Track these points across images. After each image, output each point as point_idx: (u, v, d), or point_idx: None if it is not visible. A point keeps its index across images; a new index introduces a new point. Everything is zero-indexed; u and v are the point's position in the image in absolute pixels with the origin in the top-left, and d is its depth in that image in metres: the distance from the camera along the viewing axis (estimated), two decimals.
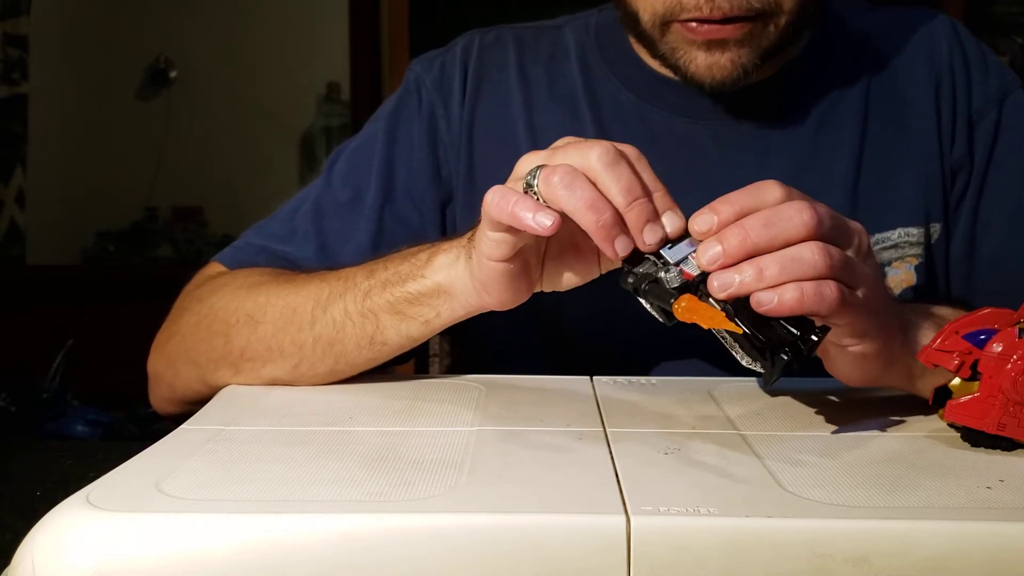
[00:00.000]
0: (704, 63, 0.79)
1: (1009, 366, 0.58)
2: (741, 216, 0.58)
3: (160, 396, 0.87)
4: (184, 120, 3.12)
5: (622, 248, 0.60)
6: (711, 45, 0.79)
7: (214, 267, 0.89)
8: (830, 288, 0.57)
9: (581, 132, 0.88)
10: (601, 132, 0.89)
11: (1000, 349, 0.58)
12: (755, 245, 0.57)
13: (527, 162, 0.64)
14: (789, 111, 0.87)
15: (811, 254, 0.57)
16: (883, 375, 0.66)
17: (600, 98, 0.90)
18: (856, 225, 0.63)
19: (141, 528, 0.45)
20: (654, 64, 0.88)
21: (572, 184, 0.60)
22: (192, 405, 0.84)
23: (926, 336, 0.66)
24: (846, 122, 0.87)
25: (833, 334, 0.60)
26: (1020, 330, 0.59)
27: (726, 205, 0.59)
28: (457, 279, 0.69)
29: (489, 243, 0.64)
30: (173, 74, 3.13)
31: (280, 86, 3.12)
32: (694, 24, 0.78)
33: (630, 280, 0.60)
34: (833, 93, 0.88)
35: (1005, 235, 0.88)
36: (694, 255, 0.59)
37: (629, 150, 0.63)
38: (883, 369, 0.65)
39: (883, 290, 0.65)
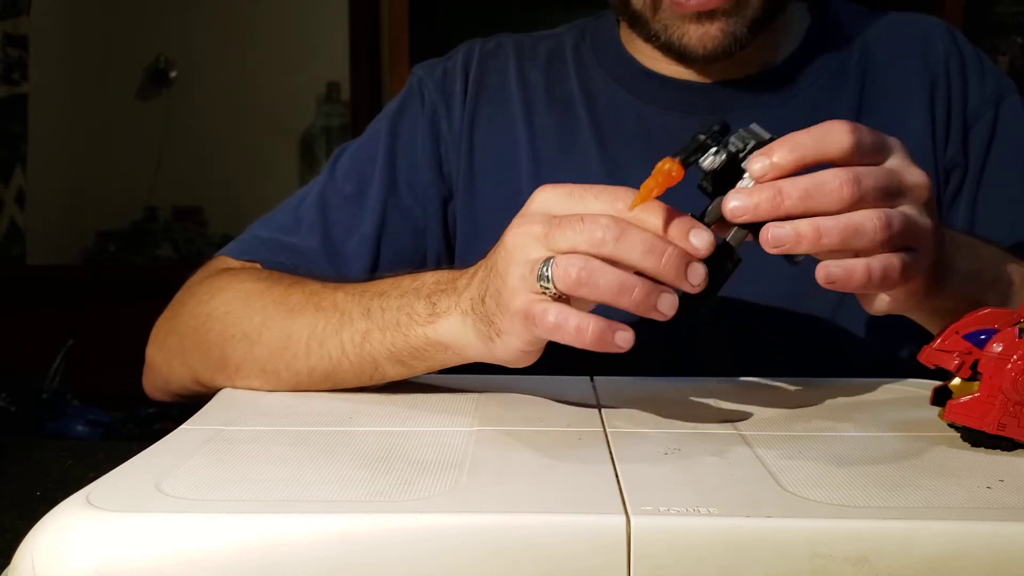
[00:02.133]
0: (696, 35, 0.83)
1: (1009, 366, 0.58)
2: (799, 165, 0.59)
3: (154, 385, 0.87)
4: (184, 120, 3.12)
5: (668, 308, 0.57)
6: (701, 17, 0.82)
7: (221, 261, 0.90)
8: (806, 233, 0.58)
9: (578, 132, 0.91)
10: (597, 131, 0.91)
11: (1000, 349, 0.58)
12: (787, 212, 0.58)
13: (527, 246, 0.59)
14: (782, 107, 0.88)
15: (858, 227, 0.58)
16: (890, 308, 0.66)
17: (596, 98, 0.93)
18: (919, 177, 0.63)
19: (141, 528, 0.45)
20: (647, 62, 0.91)
21: (592, 277, 0.56)
22: (185, 398, 0.84)
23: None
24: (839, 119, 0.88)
25: None
26: (1020, 330, 0.59)
27: (786, 152, 0.61)
28: (468, 343, 0.65)
29: (521, 342, 0.61)
30: (173, 74, 3.13)
31: (280, 86, 3.12)
32: None
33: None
34: (827, 91, 0.89)
35: (1004, 235, 0.88)
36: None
37: (619, 194, 0.58)
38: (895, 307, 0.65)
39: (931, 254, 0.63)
